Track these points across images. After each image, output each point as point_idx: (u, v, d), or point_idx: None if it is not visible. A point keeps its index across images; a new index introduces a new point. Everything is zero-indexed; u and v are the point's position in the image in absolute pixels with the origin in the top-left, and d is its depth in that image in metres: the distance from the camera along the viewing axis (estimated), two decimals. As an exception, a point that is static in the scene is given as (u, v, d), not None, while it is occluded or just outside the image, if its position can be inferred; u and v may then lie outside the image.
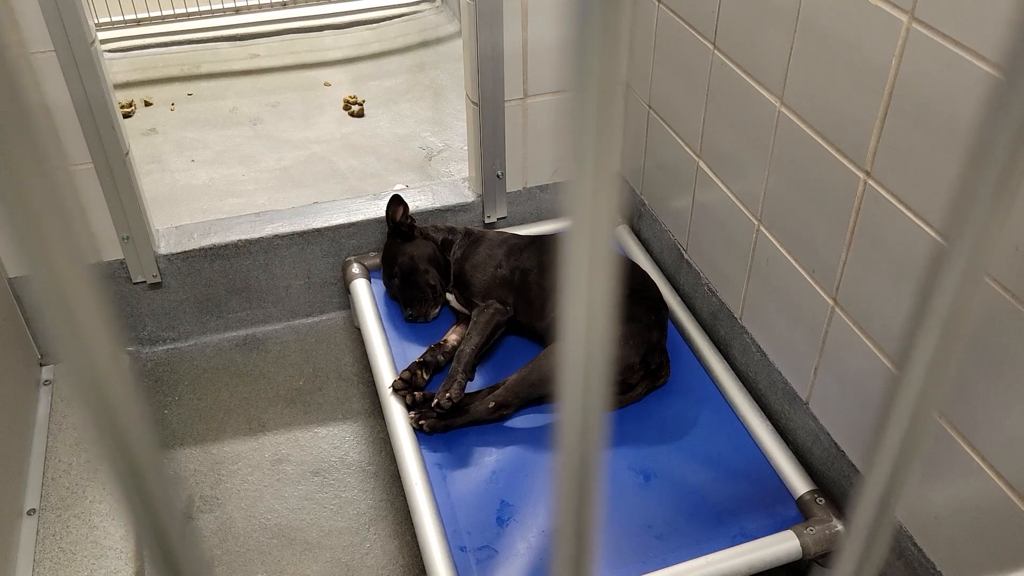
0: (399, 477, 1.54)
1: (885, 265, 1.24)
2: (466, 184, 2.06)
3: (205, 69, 2.93)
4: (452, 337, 1.76)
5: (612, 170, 0.24)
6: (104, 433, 0.25)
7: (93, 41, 1.59)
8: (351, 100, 2.73)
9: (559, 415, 0.28)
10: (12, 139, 0.21)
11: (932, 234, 1.14)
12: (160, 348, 1.97)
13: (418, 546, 1.41)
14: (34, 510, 1.57)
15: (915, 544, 1.27)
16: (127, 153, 1.71)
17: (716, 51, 1.57)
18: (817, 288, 1.41)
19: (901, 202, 1.18)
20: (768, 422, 1.57)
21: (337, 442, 1.78)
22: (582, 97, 0.23)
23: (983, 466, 1.12)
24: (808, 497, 1.44)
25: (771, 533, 1.39)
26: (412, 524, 1.45)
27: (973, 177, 0.28)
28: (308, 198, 2.23)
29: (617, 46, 0.22)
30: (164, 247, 1.87)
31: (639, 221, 2.04)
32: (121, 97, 2.70)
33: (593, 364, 0.26)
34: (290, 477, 1.71)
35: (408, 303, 1.82)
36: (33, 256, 0.22)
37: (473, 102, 1.88)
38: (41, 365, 1.87)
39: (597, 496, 0.29)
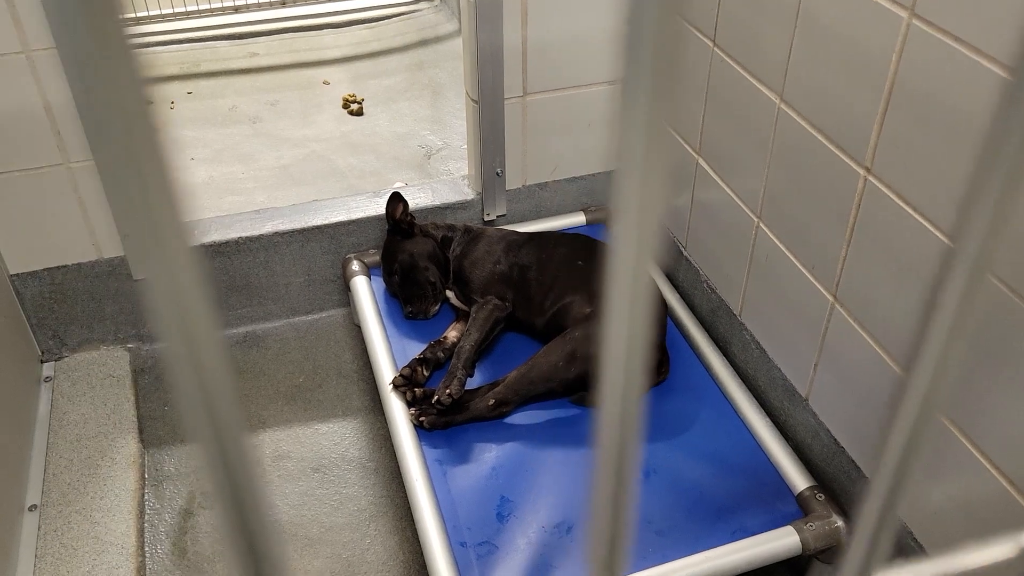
0: (399, 473, 1.54)
1: (885, 261, 1.25)
2: (465, 182, 2.06)
3: (204, 68, 2.93)
4: (452, 334, 1.76)
5: (664, 163, 0.24)
6: (202, 415, 0.26)
7: (94, 38, 1.59)
8: (350, 99, 2.73)
9: (600, 405, 0.28)
10: (134, 125, 0.22)
11: (933, 230, 1.15)
12: (160, 345, 1.97)
13: (418, 542, 1.42)
14: (35, 506, 1.58)
15: (915, 539, 1.28)
16: (128, 150, 1.71)
17: (716, 48, 1.57)
18: (817, 284, 1.41)
19: (901, 198, 1.19)
20: (767, 418, 1.57)
21: (337, 439, 1.79)
22: (635, 89, 0.23)
23: (983, 461, 1.13)
24: (808, 493, 1.44)
25: (771, 529, 1.40)
26: (412, 520, 1.46)
27: (982, 177, 0.28)
28: (307, 196, 2.23)
29: (677, 33, 0.23)
30: (164, 244, 1.87)
31: (638, 219, 2.04)
32: (120, 95, 2.70)
33: (634, 357, 0.27)
34: (290, 473, 1.71)
35: (408, 300, 1.82)
36: (147, 238, 0.23)
37: (473, 100, 1.88)
38: (42, 362, 1.87)
39: (633, 485, 0.29)
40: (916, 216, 1.17)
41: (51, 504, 1.58)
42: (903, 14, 1.13)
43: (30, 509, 1.57)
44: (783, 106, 1.40)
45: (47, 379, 1.83)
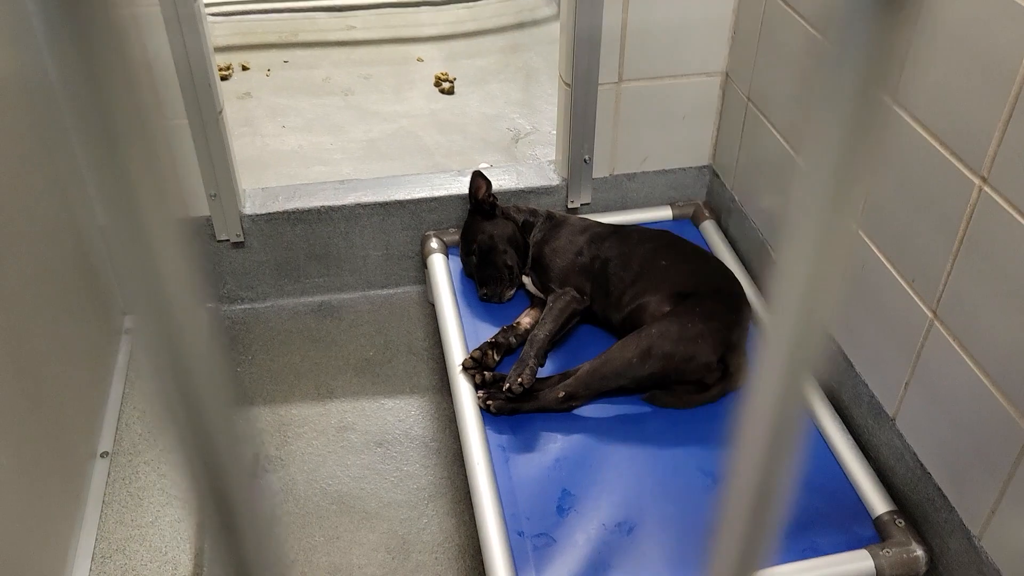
0: (461, 456, 1.52)
1: (995, 279, 1.16)
2: (552, 167, 2.02)
3: (302, 38, 2.96)
4: (525, 320, 1.73)
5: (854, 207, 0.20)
6: (174, 389, 0.23)
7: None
8: (442, 77, 2.72)
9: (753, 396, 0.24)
10: (115, 92, 0.19)
11: (1052, 249, 1.06)
12: (238, 307, 2.00)
13: (475, 526, 1.39)
14: (107, 453, 1.61)
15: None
16: (220, 112, 1.73)
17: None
18: (916, 299, 1.33)
19: (1021, 213, 1.10)
20: (850, 436, 1.49)
21: (402, 415, 1.78)
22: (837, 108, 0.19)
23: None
24: (887, 517, 1.36)
25: (844, 551, 1.33)
26: (471, 504, 1.43)
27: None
28: (393, 171, 2.23)
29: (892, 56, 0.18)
30: (249, 207, 1.89)
31: (728, 217, 1.97)
32: (220, 60, 2.75)
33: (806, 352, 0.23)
34: (354, 445, 1.71)
35: (484, 282, 1.79)
36: (119, 205, 0.20)
37: (566, 83, 1.84)
38: (124, 314, 1.91)
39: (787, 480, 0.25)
40: (1035, 233, 1.08)
41: (122, 452, 1.62)
42: (1041, 13, 1.04)
43: (102, 456, 1.61)
44: (894, 106, 1.32)
45: (127, 331, 1.87)
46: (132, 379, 1.75)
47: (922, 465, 1.36)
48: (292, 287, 2.00)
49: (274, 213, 1.89)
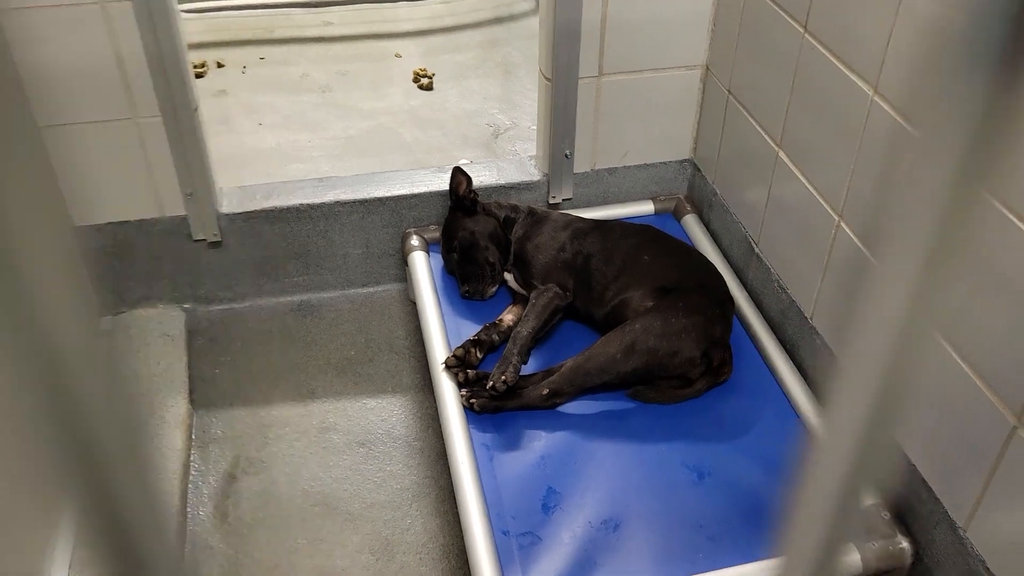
0: (445, 455, 1.50)
1: (981, 273, 1.16)
2: (532, 162, 2.01)
3: (278, 34, 2.93)
4: (508, 317, 1.72)
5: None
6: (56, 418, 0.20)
7: (169, -7, 1.58)
8: (421, 73, 2.70)
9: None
10: None
11: (1035, 239, 1.06)
12: (216, 307, 1.97)
13: (460, 526, 1.38)
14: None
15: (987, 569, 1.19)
16: (196, 109, 1.70)
17: (807, 34, 1.49)
18: (899, 291, 1.33)
19: (1006, 206, 1.10)
20: (833, 428, 1.49)
21: (385, 415, 1.76)
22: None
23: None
24: (872, 510, 1.36)
25: (830, 544, 1.32)
26: (455, 503, 1.42)
27: None
28: (372, 168, 2.20)
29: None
30: (226, 206, 1.86)
31: (709, 211, 1.96)
32: (195, 57, 2.71)
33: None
34: (336, 446, 1.69)
35: (465, 279, 1.78)
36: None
37: (546, 77, 1.82)
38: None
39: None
40: (1018, 223, 1.08)
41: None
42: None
43: (78, 461, 1.58)
44: (876, 98, 1.32)
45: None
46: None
47: (907, 457, 1.36)
48: (271, 287, 1.98)
49: (252, 212, 1.86)
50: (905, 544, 1.32)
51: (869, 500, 1.38)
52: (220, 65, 2.75)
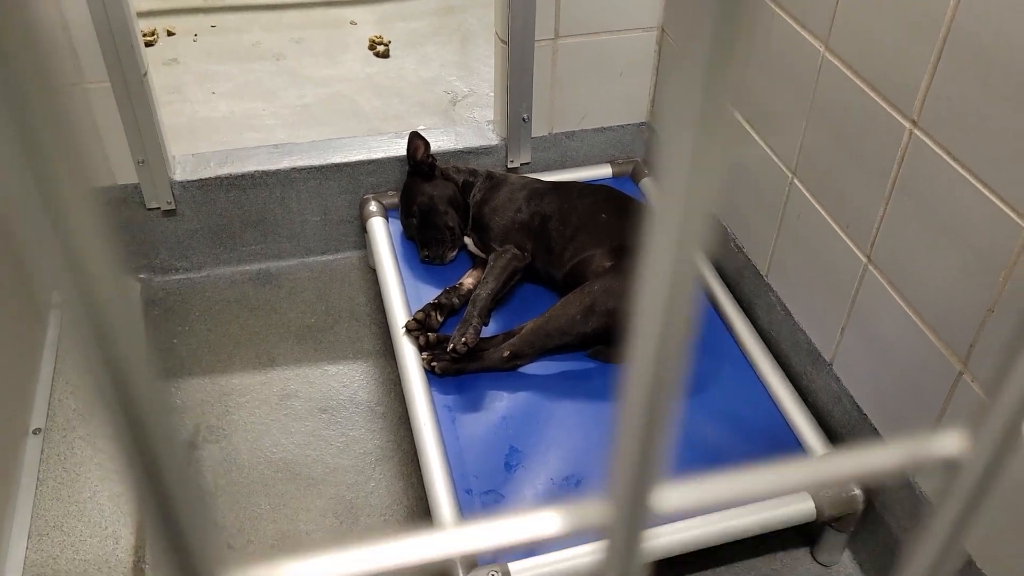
0: (407, 419, 1.51)
1: (927, 222, 1.19)
2: (490, 127, 2.00)
3: (229, 2, 2.87)
4: (468, 281, 1.72)
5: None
6: (104, 367, 0.21)
7: (114, -46, 1.54)
8: (377, 40, 2.66)
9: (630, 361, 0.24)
10: (16, 53, 0.18)
11: (983, 190, 1.09)
12: (172, 277, 1.94)
13: (423, 487, 1.39)
14: (39, 430, 1.56)
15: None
16: (145, 74, 1.67)
17: (759, -6, 1.50)
18: (851, 244, 1.35)
19: (950, 154, 1.12)
20: (788, 382, 1.52)
21: (346, 380, 1.76)
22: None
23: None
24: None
25: (784, 492, 1.35)
26: (418, 465, 1.43)
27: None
28: (329, 136, 2.18)
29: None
30: (180, 174, 1.83)
31: (666, 174, 1.98)
32: (144, 26, 2.65)
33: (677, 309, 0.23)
34: (298, 413, 1.69)
35: (425, 244, 1.78)
36: (27, 175, 0.18)
37: (502, 40, 1.82)
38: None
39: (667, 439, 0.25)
40: (965, 174, 1.11)
41: (55, 429, 1.57)
42: (966, -45, 1.05)
43: (34, 432, 1.56)
44: (828, 54, 1.34)
45: (55, 304, 1.80)
46: (63, 354, 1.70)
47: (859, 407, 1.40)
48: (228, 255, 1.95)
49: (206, 179, 1.84)
50: (857, 491, 1.35)
51: (822, 451, 1.42)
52: (171, 33, 2.69)
